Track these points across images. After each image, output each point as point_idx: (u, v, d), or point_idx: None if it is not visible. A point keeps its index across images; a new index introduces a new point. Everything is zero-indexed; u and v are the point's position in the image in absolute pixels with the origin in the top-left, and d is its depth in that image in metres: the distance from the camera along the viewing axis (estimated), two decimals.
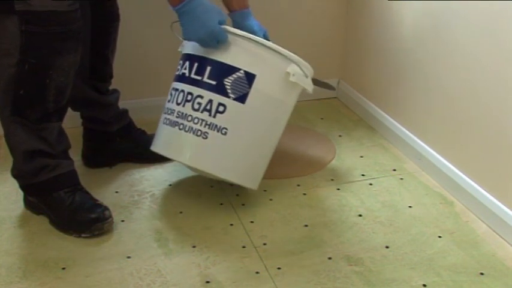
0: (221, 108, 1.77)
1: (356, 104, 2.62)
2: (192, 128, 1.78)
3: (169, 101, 1.87)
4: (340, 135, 2.44)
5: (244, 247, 1.80)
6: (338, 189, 2.09)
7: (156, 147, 1.90)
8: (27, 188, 1.89)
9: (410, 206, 2.00)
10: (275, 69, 1.81)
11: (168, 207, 1.99)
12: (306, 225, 1.90)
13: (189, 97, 1.79)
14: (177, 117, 1.81)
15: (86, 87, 2.04)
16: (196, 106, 1.78)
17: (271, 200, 2.03)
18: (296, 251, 1.79)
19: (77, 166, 1.94)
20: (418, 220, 1.93)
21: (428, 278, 1.69)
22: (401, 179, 2.15)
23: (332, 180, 2.14)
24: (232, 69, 1.76)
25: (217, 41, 1.77)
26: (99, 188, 2.04)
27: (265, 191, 2.07)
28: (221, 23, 1.77)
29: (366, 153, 2.32)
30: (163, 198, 2.03)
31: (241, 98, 1.77)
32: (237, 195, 2.05)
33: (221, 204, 2.01)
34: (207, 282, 1.67)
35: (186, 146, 1.81)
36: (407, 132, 2.28)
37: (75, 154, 2.09)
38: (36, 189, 1.87)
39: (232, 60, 1.76)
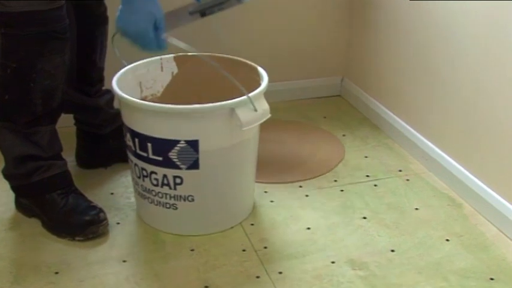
0: (178, 180, 1.74)
1: (360, 102, 2.60)
2: (159, 201, 1.79)
3: (132, 172, 1.86)
4: (343, 135, 2.43)
5: (244, 250, 1.79)
6: (342, 190, 2.08)
7: (141, 216, 1.91)
8: (19, 189, 1.88)
9: (416, 208, 1.99)
10: (217, 125, 1.70)
11: None
12: (309, 228, 1.89)
13: (145, 172, 1.77)
14: (142, 190, 1.82)
15: (72, 90, 2.02)
16: (154, 182, 1.76)
17: (272, 201, 2.02)
18: (298, 255, 1.77)
19: (70, 167, 1.93)
20: (425, 223, 1.91)
21: (435, 283, 1.67)
22: (408, 180, 2.14)
23: (335, 181, 2.13)
24: (172, 142, 1.68)
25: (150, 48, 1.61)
26: (93, 190, 2.02)
27: (266, 192, 2.06)
28: (158, 24, 1.60)
29: (370, 153, 2.30)
30: None
31: (194, 165, 1.71)
32: None
33: None
34: (206, 286, 1.65)
35: (161, 217, 1.83)
36: (413, 131, 2.27)
37: (69, 155, 2.08)
38: (28, 190, 1.85)
39: (168, 133, 1.68)
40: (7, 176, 1.87)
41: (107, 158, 2.16)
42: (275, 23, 2.59)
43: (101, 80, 2.08)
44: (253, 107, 1.70)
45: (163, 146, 1.70)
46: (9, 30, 1.64)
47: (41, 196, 1.84)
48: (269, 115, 1.76)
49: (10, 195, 1.94)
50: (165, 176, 1.74)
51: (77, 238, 1.81)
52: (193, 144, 1.69)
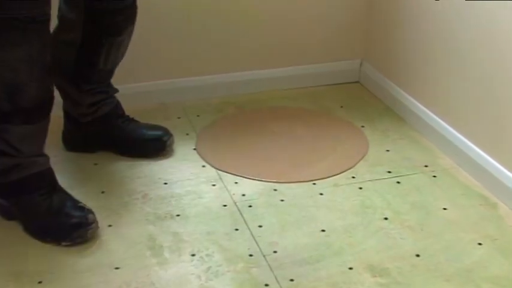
0: None
1: (381, 90, 2.60)
2: None
3: None
4: (362, 126, 2.43)
5: (251, 255, 1.80)
6: (360, 188, 2.08)
7: None
8: None
9: (445, 208, 1.99)
10: None
11: (163, 209, 1.98)
12: (323, 230, 1.89)
13: None
14: None
15: (64, 81, 2.07)
16: None
17: (282, 200, 2.02)
18: (311, 260, 1.78)
19: (57, 162, 1.94)
20: (454, 224, 1.92)
21: None
22: (435, 176, 2.14)
23: (353, 177, 2.13)
24: None
25: None
26: (82, 187, 2.04)
27: (275, 190, 2.06)
28: None
29: (393, 146, 2.31)
30: (158, 199, 2.03)
31: None
32: (243, 195, 2.04)
33: (225, 205, 2.00)
34: None
35: None
36: (442, 122, 2.27)
37: (55, 149, 2.10)
38: (6, 190, 1.86)
39: None
40: None
41: (90, 143, 2.20)
42: (288, 1, 2.59)
43: (102, 81, 2.11)
44: None
45: None
46: None
47: (21, 197, 1.85)
48: None
49: None
50: None
51: (63, 243, 1.82)
52: None
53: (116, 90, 2.18)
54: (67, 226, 1.81)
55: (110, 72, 2.12)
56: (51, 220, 1.82)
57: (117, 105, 2.20)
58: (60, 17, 1.99)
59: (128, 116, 2.23)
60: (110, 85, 2.16)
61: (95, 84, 2.11)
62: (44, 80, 1.77)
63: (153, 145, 2.21)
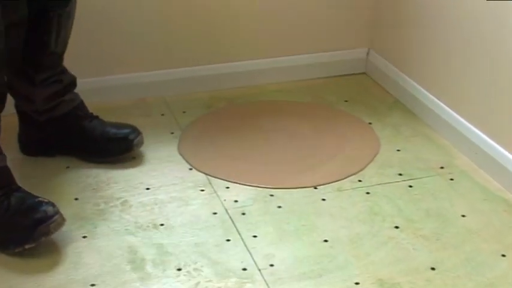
0: None
1: (391, 81, 2.61)
2: None
3: None
4: (370, 123, 2.43)
5: (245, 269, 1.80)
6: (368, 193, 2.09)
7: None
8: None
9: (463, 215, 2.00)
10: None
11: (144, 218, 1.98)
12: (326, 240, 1.90)
13: None
14: None
15: (12, 74, 2.06)
16: None
17: (279, 207, 2.03)
18: (313, 275, 1.78)
19: (19, 165, 1.93)
20: (474, 233, 1.92)
21: None
22: (452, 179, 2.15)
23: (359, 181, 2.14)
24: None
25: None
26: (52, 194, 2.02)
27: (271, 195, 2.07)
28: None
29: (404, 145, 2.31)
30: (139, 207, 2.03)
31: None
32: (236, 201, 2.05)
33: (214, 213, 2.00)
34: None
35: None
36: (459, 118, 2.28)
37: (11, 149, 2.10)
38: None
39: None
40: None
41: (46, 146, 2.19)
42: None
43: (54, 67, 2.11)
44: None
45: None
46: None
47: None
48: None
49: None
50: None
51: (27, 246, 1.81)
52: None
53: (73, 78, 2.17)
54: (27, 225, 1.80)
55: (61, 57, 2.11)
56: (10, 224, 1.82)
57: (78, 106, 2.19)
58: None
59: (92, 114, 2.22)
60: (63, 71, 2.15)
61: (47, 71, 2.10)
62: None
63: (118, 145, 2.19)
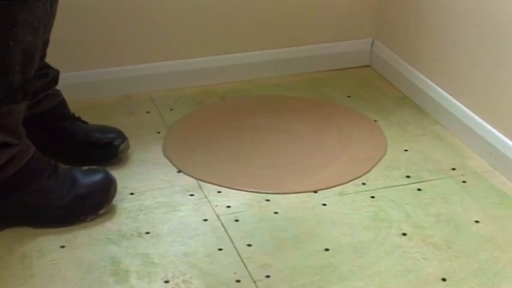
0: None
1: (398, 75, 2.61)
2: None
3: None
4: (375, 120, 2.44)
5: (238, 281, 1.80)
6: (372, 197, 2.09)
7: None
8: None
9: (477, 221, 2.00)
10: None
11: (128, 225, 1.99)
12: (327, 249, 1.90)
13: None
14: None
15: None
16: None
17: (276, 213, 2.03)
18: (313, 287, 1.78)
19: None
20: (489, 241, 1.93)
21: None
22: (464, 182, 2.15)
23: (363, 184, 2.14)
24: None
25: None
26: None
27: (267, 200, 2.07)
28: None
29: (412, 145, 2.32)
30: (122, 213, 2.03)
31: None
32: (228, 207, 2.05)
33: (205, 220, 2.01)
34: None
35: None
36: (472, 114, 2.28)
37: None
38: (4, 189, 1.92)
39: None
40: None
41: None
42: None
43: (42, 58, 2.11)
44: None
45: None
46: None
47: (23, 191, 1.92)
48: None
49: None
50: None
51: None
52: None
53: (57, 72, 2.18)
54: (98, 186, 1.98)
55: (47, 45, 2.12)
56: (73, 193, 1.95)
57: (62, 103, 2.20)
58: None
59: (74, 114, 2.23)
60: (47, 65, 2.16)
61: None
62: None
63: (102, 151, 2.20)
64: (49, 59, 2.15)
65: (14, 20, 1.73)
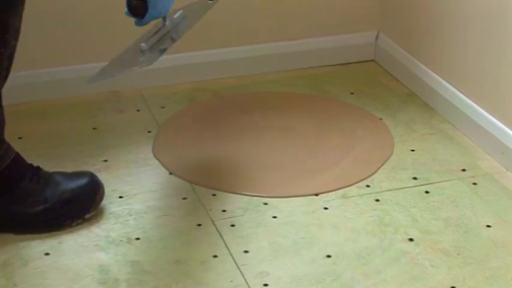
0: None
1: (404, 70, 2.61)
2: None
3: None
4: (380, 118, 2.44)
5: None
6: (377, 200, 2.10)
7: None
8: None
9: (488, 226, 2.00)
10: None
11: (117, 231, 1.99)
12: (329, 256, 1.90)
13: None
14: None
15: None
16: None
17: (275, 217, 2.03)
18: None
19: None
20: (501, 247, 1.93)
21: None
22: (475, 183, 2.16)
23: (368, 186, 2.15)
24: None
25: None
26: None
27: (265, 204, 2.07)
28: None
29: (420, 144, 2.32)
30: (111, 218, 2.04)
31: None
32: (224, 211, 2.05)
33: (199, 225, 2.01)
34: None
35: None
36: (484, 112, 2.28)
37: None
38: None
39: None
40: None
41: None
42: None
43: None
44: None
45: None
46: None
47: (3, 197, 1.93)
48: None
49: None
50: None
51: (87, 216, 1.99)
52: None
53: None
54: (83, 190, 1.99)
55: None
56: (57, 196, 1.95)
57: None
58: None
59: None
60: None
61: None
62: None
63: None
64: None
65: (6, 26, 1.76)
